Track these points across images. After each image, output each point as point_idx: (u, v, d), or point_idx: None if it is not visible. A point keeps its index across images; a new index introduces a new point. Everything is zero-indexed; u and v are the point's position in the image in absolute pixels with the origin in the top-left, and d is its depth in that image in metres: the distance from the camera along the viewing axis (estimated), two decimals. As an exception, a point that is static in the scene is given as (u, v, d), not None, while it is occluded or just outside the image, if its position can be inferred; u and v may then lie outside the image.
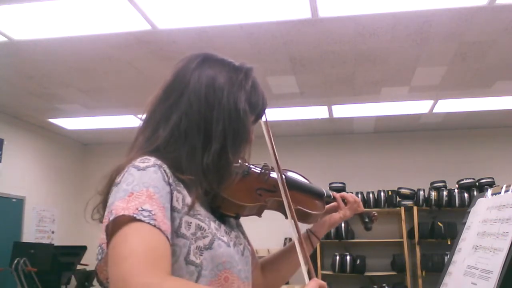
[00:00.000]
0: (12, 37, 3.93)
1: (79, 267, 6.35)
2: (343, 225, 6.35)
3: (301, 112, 6.16)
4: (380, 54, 4.35)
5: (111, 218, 0.77)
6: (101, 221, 0.91)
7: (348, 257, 6.41)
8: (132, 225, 0.75)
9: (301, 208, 1.17)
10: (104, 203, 0.90)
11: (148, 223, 0.76)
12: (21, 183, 6.45)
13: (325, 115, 6.29)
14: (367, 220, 1.39)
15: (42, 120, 6.49)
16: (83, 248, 6.28)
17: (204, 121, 0.94)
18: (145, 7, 3.45)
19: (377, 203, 6.65)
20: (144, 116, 1.01)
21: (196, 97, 0.95)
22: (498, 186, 1.53)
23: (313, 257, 6.60)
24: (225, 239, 0.92)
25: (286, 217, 1.16)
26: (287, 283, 6.63)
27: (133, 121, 6.39)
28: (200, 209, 0.91)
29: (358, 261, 6.40)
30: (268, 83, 5.04)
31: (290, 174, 1.28)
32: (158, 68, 4.61)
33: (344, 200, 1.33)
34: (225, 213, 1.00)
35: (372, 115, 6.38)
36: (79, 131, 7.13)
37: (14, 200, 6.31)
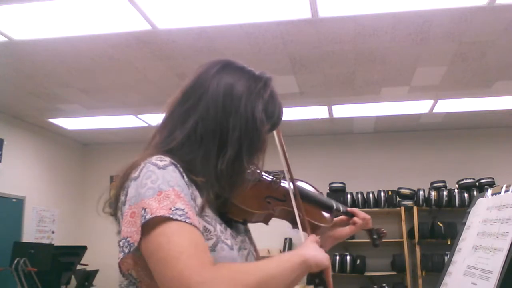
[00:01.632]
0: (12, 37, 3.93)
1: (79, 267, 6.35)
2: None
3: (301, 112, 6.16)
4: (380, 54, 4.35)
5: (147, 217, 0.80)
6: (111, 215, 0.95)
7: (348, 257, 6.41)
8: (171, 224, 0.79)
9: (310, 219, 1.17)
10: (117, 197, 0.93)
11: (185, 221, 0.79)
12: (21, 183, 6.45)
13: (325, 115, 6.29)
14: (375, 236, 1.40)
15: (42, 120, 6.48)
16: (83, 248, 6.28)
17: (220, 127, 0.95)
18: (145, 7, 3.45)
19: (377, 203, 6.65)
20: (163, 116, 1.03)
21: (214, 103, 0.96)
22: (498, 186, 1.53)
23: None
24: (229, 242, 0.93)
25: (293, 227, 1.17)
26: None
27: (133, 121, 6.39)
28: (208, 211, 0.93)
29: (358, 261, 6.40)
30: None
31: (301, 184, 1.28)
32: (158, 68, 4.60)
33: (353, 215, 1.33)
34: (233, 218, 1.01)
35: (372, 115, 6.38)
36: (79, 131, 7.13)
37: (14, 200, 6.30)
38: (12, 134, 6.30)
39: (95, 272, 6.45)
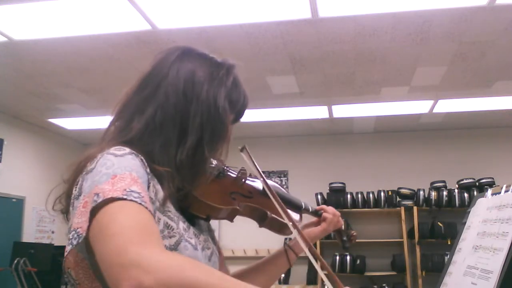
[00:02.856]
0: (12, 37, 3.93)
1: (79, 267, 6.35)
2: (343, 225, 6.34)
3: (301, 112, 6.16)
4: (380, 54, 4.35)
5: (98, 201, 0.71)
6: (63, 212, 0.89)
7: (348, 257, 6.41)
8: (122, 203, 0.70)
9: (278, 218, 1.13)
10: (69, 192, 0.87)
11: (140, 203, 0.71)
12: (21, 183, 6.46)
13: (325, 115, 6.29)
14: (345, 238, 1.35)
15: (42, 120, 6.49)
16: (83, 248, 6.28)
17: (180, 115, 0.91)
18: (145, 7, 3.45)
19: (377, 203, 6.65)
20: (117, 107, 0.98)
21: (173, 90, 0.92)
22: (498, 186, 1.53)
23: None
24: (192, 241, 0.88)
25: (260, 225, 1.14)
26: (287, 283, 6.64)
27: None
28: (170, 207, 0.87)
29: (358, 261, 6.41)
30: (268, 83, 5.04)
31: (271, 183, 1.23)
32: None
33: (322, 212, 1.27)
34: (195, 213, 0.97)
35: (372, 115, 6.38)
36: (79, 131, 7.13)
37: (14, 200, 6.31)
38: (12, 134, 6.30)
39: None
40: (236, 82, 1.00)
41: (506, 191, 1.44)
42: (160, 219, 0.83)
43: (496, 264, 1.24)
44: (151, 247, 0.65)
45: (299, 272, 6.81)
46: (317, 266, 1.00)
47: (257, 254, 6.93)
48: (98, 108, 5.93)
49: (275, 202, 1.03)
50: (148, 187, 0.81)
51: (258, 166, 1.05)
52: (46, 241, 6.80)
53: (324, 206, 1.28)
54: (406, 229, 6.49)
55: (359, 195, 6.67)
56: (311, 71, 4.76)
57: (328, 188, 6.85)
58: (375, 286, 6.42)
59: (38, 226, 6.75)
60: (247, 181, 1.13)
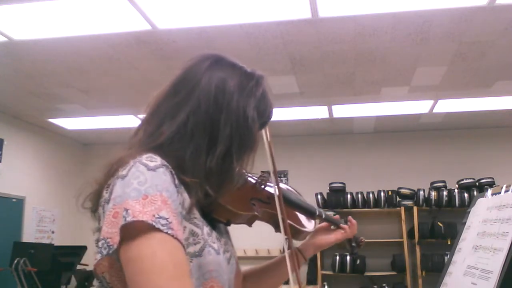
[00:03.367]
0: (12, 37, 3.93)
1: (79, 267, 6.35)
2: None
3: (301, 112, 6.16)
4: (380, 54, 4.35)
5: (127, 219, 0.76)
6: (92, 211, 0.91)
7: (348, 257, 6.41)
8: (153, 235, 0.75)
9: (292, 223, 1.16)
10: (99, 193, 0.89)
11: (167, 232, 0.76)
12: (21, 183, 6.46)
13: (325, 115, 6.29)
14: (354, 244, 1.37)
15: (42, 120, 6.49)
16: (83, 248, 6.28)
17: (211, 123, 0.92)
18: (145, 7, 3.45)
19: (377, 203, 6.65)
20: (147, 110, 0.98)
21: (205, 97, 0.93)
22: (498, 186, 1.53)
23: (313, 257, 6.60)
24: (215, 246, 0.90)
25: (276, 230, 1.15)
26: (286, 283, 6.65)
27: (133, 121, 6.39)
28: (196, 213, 0.90)
29: (358, 261, 6.40)
30: (268, 83, 5.02)
31: (285, 188, 1.26)
32: (158, 68, 4.61)
33: (340, 224, 1.30)
34: (217, 218, 0.99)
35: (372, 115, 6.38)
36: (79, 131, 7.13)
37: (14, 200, 6.31)
38: (12, 134, 6.30)
39: (94, 267, 6.44)
40: (264, 93, 1.03)
41: (506, 191, 1.44)
42: (185, 227, 0.85)
43: (496, 264, 1.24)
44: None
45: (299, 272, 6.79)
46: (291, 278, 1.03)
47: (257, 254, 6.93)
48: (98, 108, 5.93)
49: (278, 210, 1.06)
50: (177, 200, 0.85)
51: (274, 160, 1.08)
52: (46, 241, 6.80)
53: (350, 218, 1.32)
54: (406, 229, 6.49)
55: (359, 195, 6.67)
56: (311, 71, 4.76)
57: (328, 188, 6.86)
58: (375, 286, 6.42)
59: (38, 226, 6.75)
60: (266, 187, 1.14)
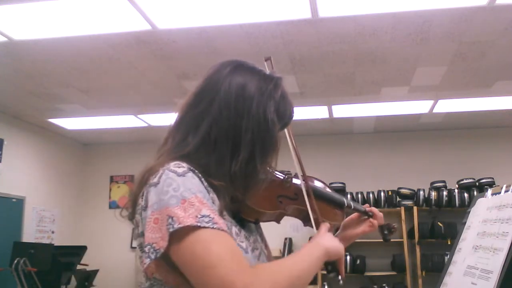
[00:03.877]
0: (12, 37, 3.93)
1: (79, 267, 6.35)
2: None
3: (301, 112, 6.16)
4: (380, 54, 4.34)
5: (175, 227, 0.81)
6: (129, 219, 0.96)
7: (348, 257, 6.41)
8: (202, 232, 0.81)
9: (321, 217, 1.16)
10: (134, 201, 0.94)
11: (212, 228, 0.82)
12: (21, 183, 6.45)
13: (325, 115, 6.29)
14: (386, 232, 1.37)
15: (42, 120, 6.48)
16: (83, 248, 6.28)
17: (233, 129, 0.95)
18: (145, 7, 3.45)
19: (377, 203, 6.65)
20: (175, 119, 1.03)
21: (226, 105, 0.96)
22: (498, 186, 1.53)
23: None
24: (244, 245, 0.94)
25: (304, 224, 1.18)
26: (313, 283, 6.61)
27: (133, 121, 6.39)
28: (225, 215, 0.94)
29: (358, 261, 6.40)
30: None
31: (312, 181, 1.27)
32: (158, 68, 4.60)
33: (369, 213, 1.30)
34: (245, 218, 1.02)
35: (372, 115, 6.38)
36: (79, 131, 7.13)
37: (14, 200, 6.31)
38: (12, 134, 6.30)
39: (95, 272, 6.45)
40: (283, 95, 1.06)
41: (506, 191, 1.44)
42: (225, 224, 0.89)
43: (496, 264, 1.24)
44: (248, 274, 0.79)
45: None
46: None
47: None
48: (98, 108, 5.93)
49: (307, 204, 1.09)
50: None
51: (299, 155, 1.15)
52: (46, 241, 6.80)
53: (373, 209, 1.31)
54: (406, 229, 6.49)
55: (359, 195, 6.67)
56: (311, 71, 4.76)
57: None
58: (375, 286, 6.42)
59: (38, 226, 6.75)
60: (292, 183, 1.16)
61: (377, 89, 5.32)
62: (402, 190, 6.67)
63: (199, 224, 0.81)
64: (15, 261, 5.42)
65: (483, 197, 1.59)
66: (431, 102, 5.75)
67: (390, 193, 6.65)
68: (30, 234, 6.52)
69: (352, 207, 1.29)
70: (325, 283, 6.48)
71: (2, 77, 4.89)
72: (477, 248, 1.41)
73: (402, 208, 6.51)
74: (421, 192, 6.56)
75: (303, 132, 7.22)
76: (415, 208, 6.49)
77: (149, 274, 0.90)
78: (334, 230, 1.30)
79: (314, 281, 6.58)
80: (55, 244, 6.49)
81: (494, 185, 5.83)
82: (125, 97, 5.52)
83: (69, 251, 6.26)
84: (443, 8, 3.51)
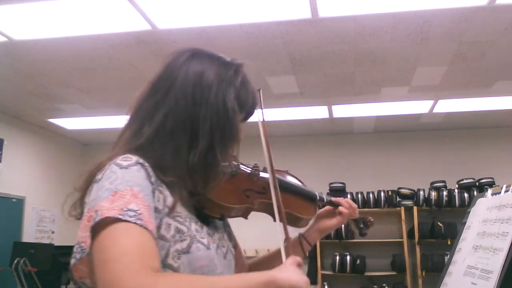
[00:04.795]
0: (12, 37, 3.93)
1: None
2: (343, 225, 6.33)
3: (301, 112, 6.16)
4: (380, 54, 4.34)
5: (96, 219, 0.75)
6: (77, 218, 0.89)
7: (348, 257, 6.41)
8: (118, 225, 0.73)
9: (291, 211, 1.13)
10: (82, 199, 0.89)
11: (135, 223, 0.74)
12: (21, 183, 6.45)
13: (325, 115, 6.29)
14: (362, 226, 1.34)
15: (42, 120, 6.49)
16: (83, 248, 6.27)
17: (190, 119, 0.91)
18: (145, 7, 3.45)
19: (377, 203, 6.65)
20: (130, 112, 0.98)
21: (183, 94, 0.92)
22: (498, 186, 1.53)
23: (313, 257, 6.61)
24: (205, 241, 0.89)
25: (275, 220, 1.11)
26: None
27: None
28: (181, 211, 0.89)
29: (358, 261, 6.40)
30: (268, 83, 5.04)
31: (282, 175, 1.22)
32: (158, 68, 4.60)
33: (338, 205, 1.26)
34: (209, 214, 0.97)
35: (372, 115, 6.38)
36: (79, 131, 7.13)
37: (14, 200, 6.31)
38: (12, 134, 6.30)
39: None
40: (244, 81, 0.99)
41: (506, 191, 1.44)
42: (170, 224, 0.85)
43: (496, 264, 1.24)
44: (146, 275, 0.69)
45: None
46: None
47: (257, 254, 6.93)
48: (98, 108, 5.93)
49: (273, 197, 1.02)
50: (154, 195, 0.83)
51: (270, 148, 1.04)
52: (46, 241, 6.80)
53: (340, 200, 1.27)
54: (406, 229, 6.49)
55: (359, 195, 6.67)
56: (311, 71, 4.76)
57: (328, 188, 6.85)
58: (375, 286, 6.42)
59: (38, 226, 6.75)
60: (260, 177, 1.11)
61: (377, 89, 5.32)
62: (402, 190, 6.67)
63: (121, 217, 0.74)
64: (15, 261, 5.42)
65: (483, 197, 1.59)
66: (431, 102, 5.75)
67: (390, 193, 6.65)
68: (30, 234, 6.53)
69: (325, 200, 1.25)
70: (325, 283, 6.49)
71: (2, 77, 4.89)
72: (477, 248, 1.41)
73: (402, 208, 6.51)
74: (421, 192, 6.56)
75: (303, 132, 7.22)
76: (415, 208, 6.49)
77: (76, 277, 0.82)
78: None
79: (314, 281, 6.58)
80: (55, 244, 6.49)
81: (494, 185, 5.83)
82: (125, 97, 5.52)
83: (69, 251, 6.15)
84: (443, 8, 3.51)
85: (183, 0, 3.37)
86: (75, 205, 0.92)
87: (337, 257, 6.42)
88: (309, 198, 1.23)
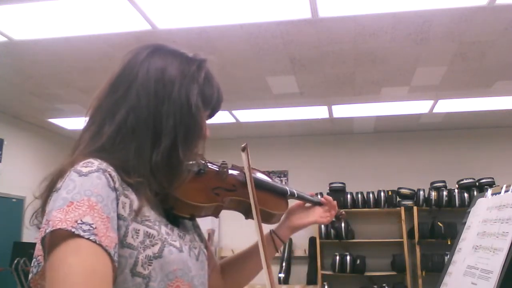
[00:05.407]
0: (12, 37, 3.93)
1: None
2: (343, 225, 6.35)
3: (301, 112, 6.16)
4: (380, 54, 4.35)
5: (47, 230, 0.72)
6: (39, 228, 0.85)
7: (348, 257, 6.41)
8: (71, 242, 0.70)
9: (264, 208, 1.11)
10: (43, 208, 0.85)
11: (88, 238, 0.71)
12: (21, 183, 6.45)
13: (325, 115, 6.29)
14: (334, 219, 1.32)
15: (42, 120, 6.49)
16: (83, 248, 6.27)
17: (153, 117, 0.88)
18: (145, 7, 3.45)
19: (377, 203, 6.65)
20: (89, 112, 0.94)
21: (144, 91, 0.89)
22: (498, 186, 1.53)
23: (313, 257, 6.61)
24: (177, 244, 0.87)
25: (246, 217, 1.10)
26: (287, 283, 6.62)
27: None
28: (150, 214, 0.85)
29: (358, 261, 6.40)
30: (268, 83, 5.04)
31: (252, 172, 1.20)
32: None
33: (313, 200, 1.25)
34: (179, 214, 0.95)
35: (372, 115, 6.38)
36: (79, 131, 7.12)
37: (14, 200, 6.30)
38: (12, 134, 6.30)
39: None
40: (208, 77, 0.97)
41: (506, 191, 1.44)
42: (138, 230, 0.82)
43: (496, 264, 1.24)
44: None
45: (299, 272, 6.81)
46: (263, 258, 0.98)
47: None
48: (98, 108, 5.93)
49: (250, 197, 1.01)
50: (117, 204, 0.80)
51: (249, 171, 1.02)
52: (46, 241, 6.79)
53: (327, 197, 1.26)
54: (406, 229, 6.49)
55: (359, 195, 6.67)
56: (311, 71, 4.76)
57: (328, 188, 6.85)
58: (375, 286, 6.42)
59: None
60: (229, 174, 1.09)
61: (377, 89, 5.32)
62: (402, 190, 6.67)
63: (73, 231, 0.70)
64: (15, 261, 5.42)
65: (483, 197, 1.59)
66: (431, 102, 5.75)
67: (390, 193, 6.65)
68: (30, 234, 6.52)
69: (296, 195, 1.23)
70: (325, 283, 6.49)
71: (2, 77, 4.89)
72: (477, 248, 1.41)
73: (402, 208, 6.51)
74: (421, 192, 6.56)
75: (303, 132, 7.22)
76: (415, 208, 6.49)
77: None
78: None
79: (314, 281, 6.58)
80: (55, 244, 6.49)
81: (494, 185, 5.83)
82: (125, 97, 5.52)
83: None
84: (443, 8, 3.51)
85: (183, 0, 3.37)
86: (36, 214, 0.90)
87: (337, 257, 6.42)
88: (279, 193, 1.21)
